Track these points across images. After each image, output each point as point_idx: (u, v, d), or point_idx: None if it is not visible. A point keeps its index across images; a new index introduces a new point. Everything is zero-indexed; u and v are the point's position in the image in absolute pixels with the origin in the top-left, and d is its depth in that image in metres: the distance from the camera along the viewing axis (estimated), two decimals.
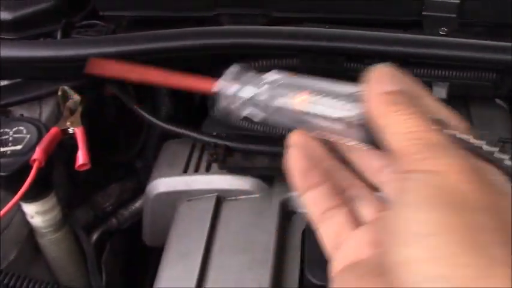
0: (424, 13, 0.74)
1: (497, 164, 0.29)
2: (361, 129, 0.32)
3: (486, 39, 0.69)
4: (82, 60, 0.70)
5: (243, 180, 0.72)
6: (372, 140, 0.32)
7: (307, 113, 0.34)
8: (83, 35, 0.77)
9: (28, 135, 0.66)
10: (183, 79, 0.40)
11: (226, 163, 0.71)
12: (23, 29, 0.77)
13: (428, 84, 0.69)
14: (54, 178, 0.70)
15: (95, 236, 0.82)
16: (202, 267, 0.63)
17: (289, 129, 0.36)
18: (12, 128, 0.67)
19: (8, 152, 0.64)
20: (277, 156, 0.71)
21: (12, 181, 0.63)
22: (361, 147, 0.34)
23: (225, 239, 0.67)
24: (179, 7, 0.79)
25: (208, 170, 0.74)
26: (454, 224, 0.25)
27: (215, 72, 0.38)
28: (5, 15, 0.76)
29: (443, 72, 0.69)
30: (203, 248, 0.65)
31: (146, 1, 0.80)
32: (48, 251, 0.74)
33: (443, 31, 0.72)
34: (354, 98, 0.33)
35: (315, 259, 0.61)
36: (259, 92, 0.36)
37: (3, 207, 0.61)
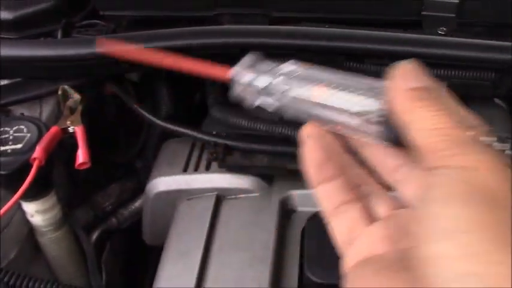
0: (423, 13, 0.74)
1: None
2: (380, 126, 0.32)
3: (485, 39, 0.69)
4: (82, 60, 0.72)
5: (242, 179, 0.72)
6: (391, 137, 0.32)
7: (324, 106, 0.34)
8: (83, 35, 0.77)
9: (28, 134, 0.66)
10: (198, 64, 0.40)
11: (226, 162, 0.71)
12: (23, 28, 0.77)
13: None
14: (54, 177, 0.70)
15: (94, 236, 0.83)
16: (202, 265, 0.63)
17: (303, 122, 0.36)
18: (12, 127, 0.67)
19: (9, 151, 0.64)
20: (277, 155, 0.71)
21: (13, 180, 0.63)
22: (377, 144, 0.33)
23: (224, 237, 0.67)
24: (179, 7, 0.79)
25: (208, 168, 0.75)
26: (486, 221, 0.25)
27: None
28: (6, 15, 0.76)
29: (442, 72, 0.70)
30: (203, 246, 0.65)
31: (146, 1, 0.80)
32: (48, 250, 0.74)
33: (442, 31, 0.72)
34: (373, 93, 0.32)
35: (314, 257, 0.61)
36: (274, 82, 0.36)
37: (4, 206, 0.61)
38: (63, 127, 0.68)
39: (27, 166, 0.62)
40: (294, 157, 0.70)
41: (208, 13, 0.79)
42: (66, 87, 0.72)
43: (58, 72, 0.74)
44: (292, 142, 0.69)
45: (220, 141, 0.71)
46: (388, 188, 0.35)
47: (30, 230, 0.72)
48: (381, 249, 0.32)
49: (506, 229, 0.24)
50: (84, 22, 0.79)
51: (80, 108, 0.71)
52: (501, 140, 0.30)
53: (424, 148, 0.28)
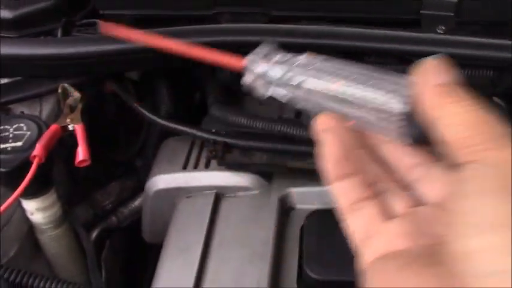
0: (422, 12, 0.74)
1: None
2: (402, 122, 0.31)
3: (484, 37, 0.69)
4: (83, 58, 0.72)
5: (241, 177, 0.72)
6: (413, 133, 0.31)
7: (341, 100, 0.33)
8: (83, 34, 0.77)
9: (28, 132, 0.66)
10: (212, 53, 0.39)
11: (225, 160, 0.71)
12: (23, 27, 0.78)
13: None
14: (54, 175, 0.71)
15: (94, 234, 0.83)
16: (201, 261, 0.63)
17: (317, 115, 0.35)
18: (12, 125, 0.67)
19: (9, 149, 0.65)
20: (276, 153, 0.71)
21: (13, 177, 0.63)
22: (394, 142, 0.33)
23: (224, 234, 0.67)
24: (179, 6, 0.79)
25: (207, 166, 0.75)
26: None
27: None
28: (5, 14, 0.77)
29: None
30: (202, 242, 0.65)
31: (146, 0, 0.81)
32: (48, 247, 0.74)
33: (441, 29, 0.72)
34: (394, 89, 0.31)
35: (313, 254, 0.61)
36: (289, 72, 0.35)
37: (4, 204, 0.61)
38: (63, 125, 0.68)
39: (27, 164, 0.62)
40: (293, 155, 0.70)
41: (207, 12, 0.79)
42: (66, 85, 0.72)
43: (58, 70, 0.74)
44: (291, 140, 0.69)
45: (219, 139, 0.71)
46: (404, 186, 0.35)
47: (30, 228, 0.72)
48: (401, 246, 0.32)
49: None
50: (84, 21, 0.79)
51: (79, 106, 0.71)
52: None
53: (454, 143, 0.28)
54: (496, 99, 0.76)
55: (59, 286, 0.59)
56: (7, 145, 0.65)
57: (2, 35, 0.77)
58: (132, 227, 0.85)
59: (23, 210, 0.70)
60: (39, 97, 0.76)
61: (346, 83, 0.33)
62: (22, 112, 0.74)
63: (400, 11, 0.75)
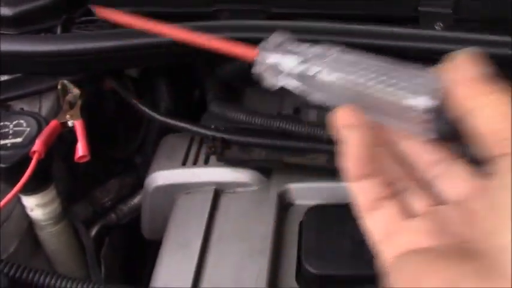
0: (420, 9, 0.74)
1: None
2: (428, 118, 0.30)
3: (482, 34, 0.69)
4: (83, 55, 0.72)
5: (241, 173, 0.73)
6: (439, 129, 0.31)
7: (361, 93, 0.32)
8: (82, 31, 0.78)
9: (28, 128, 0.66)
10: (224, 42, 0.38)
11: (224, 156, 0.72)
12: (23, 24, 0.78)
13: None
14: (54, 171, 0.71)
15: (94, 231, 0.83)
16: (201, 256, 0.64)
17: (333, 108, 0.34)
18: (12, 121, 0.67)
19: (8, 145, 0.65)
20: (275, 149, 0.71)
21: (13, 173, 0.63)
22: (415, 138, 0.33)
23: (223, 230, 0.67)
24: (178, 3, 0.79)
25: (206, 162, 0.75)
26: None
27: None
28: (5, 11, 0.77)
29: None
30: (202, 238, 0.66)
31: None
32: (48, 244, 0.74)
33: (438, 26, 0.72)
34: (418, 82, 0.31)
35: (311, 249, 0.62)
36: (304, 63, 0.34)
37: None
38: (62, 121, 0.68)
39: (27, 159, 0.63)
40: (291, 151, 0.71)
41: (207, 9, 0.79)
42: (65, 81, 0.72)
43: (58, 67, 0.74)
44: (290, 136, 0.70)
45: (218, 135, 0.71)
46: (423, 184, 0.35)
47: (30, 224, 0.72)
48: (425, 243, 0.32)
49: None
50: (84, 18, 0.80)
51: (79, 102, 0.71)
52: None
53: (487, 135, 0.28)
54: None
55: (58, 281, 0.59)
56: (7, 141, 0.65)
57: (1, 32, 0.77)
58: (132, 224, 0.86)
59: (22, 207, 0.70)
60: (38, 94, 0.76)
61: (365, 74, 0.32)
62: (22, 109, 0.74)
63: (397, 8, 0.76)
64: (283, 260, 0.64)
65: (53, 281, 0.58)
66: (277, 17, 0.76)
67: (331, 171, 0.69)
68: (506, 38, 0.66)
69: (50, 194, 0.70)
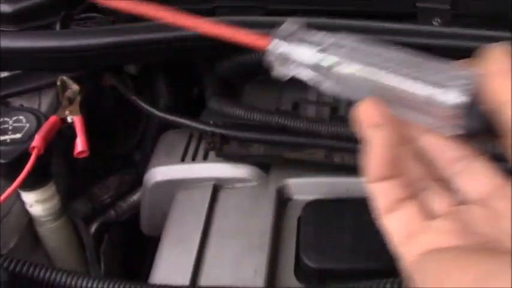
0: (418, 4, 0.75)
1: None
2: (457, 114, 0.29)
3: (481, 30, 0.69)
4: (82, 51, 0.73)
5: (239, 168, 0.73)
6: (468, 126, 0.30)
7: (381, 86, 0.31)
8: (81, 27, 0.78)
9: (27, 125, 0.67)
10: (236, 31, 0.37)
11: (223, 151, 0.72)
12: (22, 21, 0.78)
13: None
14: (53, 167, 0.71)
15: (93, 228, 0.83)
16: (199, 251, 0.64)
17: (351, 100, 0.32)
18: (11, 118, 0.67)
19: (8, 141, 0.65)
20: (273, 144, 0.71)
21: (12, 169, 0.64)
22: (437, 134, 0.32)
23: (222, 225, 0.68)
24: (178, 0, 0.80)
25: (205, 158, 0.75)
26: None
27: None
28: (5, 8, 0.77)
29: None
30: (200, 233, 0.66)
31: None
32: (47, 240, 0.75)
33: (436, 22, 0.73)
34: (446, 78, 0.30)
35: (310, 243, 0.62)
36: (319, 53, 0.32)
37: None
38: (61, 117, 0.68)
39: (26, 155, 0.63)
40: (290, 146, 0.71)
41: (206, 6, 0.80)
42: (64, 78, 0.73)
43: (57, 63, 0.74)
44: (288, 131, 0.70)
45: (217, 130, 0.71)
46: (443, 183, 0.34)
47: (30, 220, 0.72)
48: (448, 243, 0.31)
49: None
50: (83, 15, 0.80)
51: (78, 98, 0.71)
52: None
53: None
54: None
55: (58, 276, 0.59)
56: (6, 137, 0.65)
57: (1, 29, 0.77)
58: (131, 221, 0.86)
59: (22, 203, 0.70)
60: (38, 90, 0.76)
61: (388, 66, 0.30)
62: (21, 105, 0.74)
63: (396, 3, 0.76)
64: (282, 254, 0.64)
65: (52, 276, 0.58)
66: (276, 13, 0.76)
67: (329, 166, 0.69)
68: (505, 33, 0.66)
69: (49, 190, 0.70)
